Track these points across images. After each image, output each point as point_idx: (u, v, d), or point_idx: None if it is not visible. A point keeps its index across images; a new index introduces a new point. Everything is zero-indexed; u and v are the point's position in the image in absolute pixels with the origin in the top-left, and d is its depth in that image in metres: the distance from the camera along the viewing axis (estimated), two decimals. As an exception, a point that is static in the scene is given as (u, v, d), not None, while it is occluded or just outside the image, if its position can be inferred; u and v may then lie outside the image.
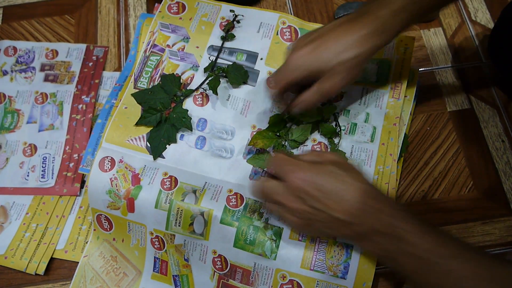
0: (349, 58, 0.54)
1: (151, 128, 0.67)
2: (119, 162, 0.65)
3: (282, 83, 0.59)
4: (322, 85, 0.56)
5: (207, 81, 0.70)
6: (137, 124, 0.67)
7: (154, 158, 0.66)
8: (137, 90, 0.70)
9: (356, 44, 0.54)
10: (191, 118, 0.67)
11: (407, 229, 0.48)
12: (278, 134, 0.67)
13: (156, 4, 0.80)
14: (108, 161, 0.65)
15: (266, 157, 0.66)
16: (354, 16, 0.56)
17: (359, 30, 0.54)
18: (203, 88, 0.70)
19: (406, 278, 0.53)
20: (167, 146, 0.66)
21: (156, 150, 0.66)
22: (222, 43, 0.73)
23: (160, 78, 0.70)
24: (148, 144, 0.66)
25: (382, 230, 0.49)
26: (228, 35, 0.73)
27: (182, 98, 0.69)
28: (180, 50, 0.73)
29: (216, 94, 0.69)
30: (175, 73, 0.71)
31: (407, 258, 0.49)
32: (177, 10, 0.76)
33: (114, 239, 0.67)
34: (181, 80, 0.70)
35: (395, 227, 0.49)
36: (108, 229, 0.67)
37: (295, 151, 0.67)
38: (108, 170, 0.65)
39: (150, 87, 0.70)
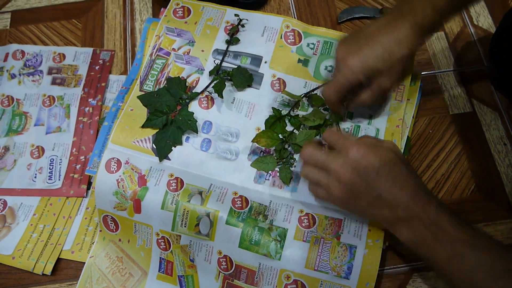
0: (404, 55, 0.58)
1: (157, 130, 0.68)
2: (125, 164, 0.66)
3: (345, 88, 0.61)
4: (382, 83, 0.60)
5: (213, 84, 0.71)
6: (143, 126, 0.68)
7: (160, 160, 0.67)
8: (143, 93, 0.71)
9: (408, 42, 0.57)
10: (196, 121, 0.68)
11: (448, 221, 0.51)
12: (282, 137, 0.68)
13: (162, 9, 0.81)
14: (115, 162, 0.66)
15: (270, 160, 0.66)
16: (396, 15, 0.59)
17: (408, 29, 0.57)
18: (208, 91, 0.71)
19: (436, 267, 0.54)
20: (173, 148, 0.67)
21: (162, 152, 0.67)
22: (227, 47, 0.74)
23: (165, 81, 0.71)
24: (154, 146, 0.67)
25: (425, 218, 0.52)
26: (233, 39, 0.75)
27: (187, 101, 0.70)
28: (186, 53, 0.74)
29: (222, 97, 0.70)
30: (180, 76, 0.72)
31: (443, 245, 0.51)
32: (182, 14, 0.77)
33: (120, 240, 0.68)
34: (186, 83, 0.71)
35: (437, 217, 0.52)
36: (114, 230, 0.67)
37: (298, 155, 0.68)
38: (114, 171, 0.66)
39: (156, 89, 0.71)
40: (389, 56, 0.58)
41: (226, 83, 0.71)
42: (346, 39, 0.63)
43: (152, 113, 0.68)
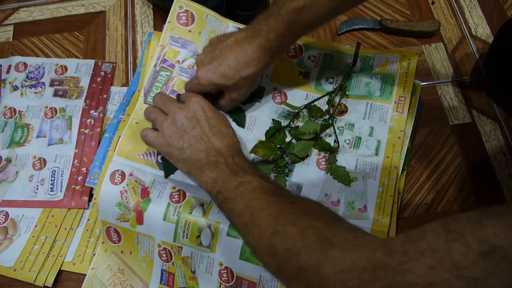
0: (248, 75, 0.64)
1: None
2: (129, 176, 0.66)
3: (195, 90, 0.68)
4: (231, 96, 0.67)
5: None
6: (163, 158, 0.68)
7: (166, 177, 0.67)
8: (147, 105, 0.71)
9: (252, 63, 0.63)
10: None
11: (249, 163, 0.59)
12: (280, 146, 0.68)
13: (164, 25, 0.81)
14: (119, 174, 0.67)
15: (266, 168, 0.68)
16: (248, 34, 0.64)
17: (253, 51, 0.63)
18: (218, 108, 0.72)
19: (224, 197, 0.56)
20: None
21: (168, 169, 0.67)
22: None
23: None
24: (159, 160, 0.68)
25: (230, 161, 0.58)
26: None
27: None
28: (190, 67, 0.74)
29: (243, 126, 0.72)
30: None
31: (236, 177, 0.56)
32: (186, 21, 0.75)
33: (122, 252, 0.68)
34: None
35: (241, 161, 0.58)
36: (117, 242, 0.68)
37: (298, 165, 0.69)
38: (118, 183, 0.66)
39: None
40: (234, 75, 0.64)
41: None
42: (209, 44, 0.69)
43: None
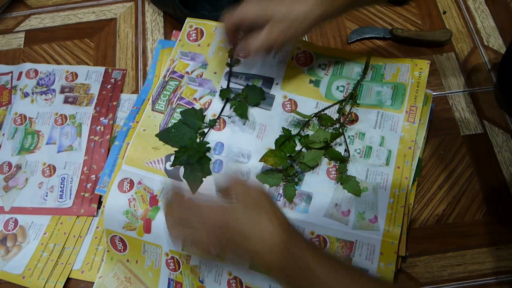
0: (301, 12, 0.58)
1: (172, 152, 0.68)
2: (138, 184, 0.66)
3: (236, 18, 0.62)
4: (271, 31, 0.60)
5: (232, 109, 0.72)
6: (173, 165, 0.68)
7: (194, 193, 0.66)
8: (154, 113, 0.72)
9: (309, 4, 0.58)
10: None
11: (319, 264, 0.48)
12: (290, 155, 0.68)
13: (174, 31, 0.82)
14: (127, 182, 0.66)
15: (276, 176, 0.67)
16: None
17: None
18: (228, 116, 0.72)
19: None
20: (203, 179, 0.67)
21: (194, 185, 0.66)
22: (230, 69, 0.75)
23: (180, 115, 0.71)
24: (167, 167, 0.68)
25: (293, 264, 0.48)
26: (233, 60, 0.75)
27: (207, 129, 0.71)
28: (199, 76, 0.74)
29: (247, 118, 0.71)
30: (193, 98, 0.72)
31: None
32: (196, 37, 0.77)
33: (128, 260, 0.68)
34: (203, 113, 0.72)
35: (306, 263, 0.48)
36: (122, 250, 0.67)
37: (308, 174, 0.68)
38: (127, 191, 0.66)
39: (167, 110, 0.72)
40: (284, 5, 0.58)
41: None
42: None
43: (178, 150, 0.68)
